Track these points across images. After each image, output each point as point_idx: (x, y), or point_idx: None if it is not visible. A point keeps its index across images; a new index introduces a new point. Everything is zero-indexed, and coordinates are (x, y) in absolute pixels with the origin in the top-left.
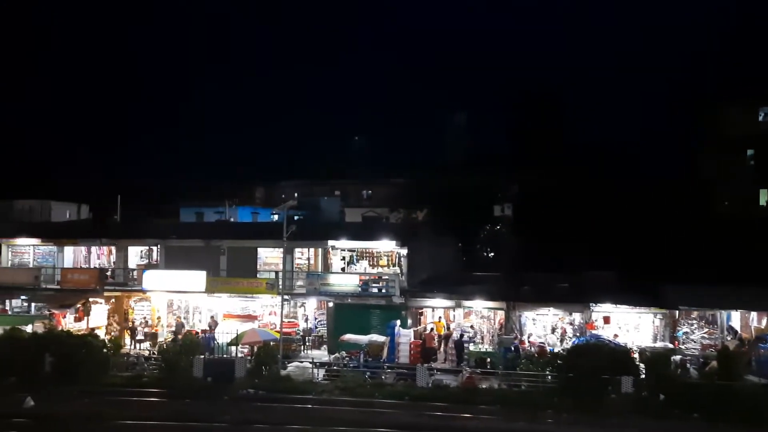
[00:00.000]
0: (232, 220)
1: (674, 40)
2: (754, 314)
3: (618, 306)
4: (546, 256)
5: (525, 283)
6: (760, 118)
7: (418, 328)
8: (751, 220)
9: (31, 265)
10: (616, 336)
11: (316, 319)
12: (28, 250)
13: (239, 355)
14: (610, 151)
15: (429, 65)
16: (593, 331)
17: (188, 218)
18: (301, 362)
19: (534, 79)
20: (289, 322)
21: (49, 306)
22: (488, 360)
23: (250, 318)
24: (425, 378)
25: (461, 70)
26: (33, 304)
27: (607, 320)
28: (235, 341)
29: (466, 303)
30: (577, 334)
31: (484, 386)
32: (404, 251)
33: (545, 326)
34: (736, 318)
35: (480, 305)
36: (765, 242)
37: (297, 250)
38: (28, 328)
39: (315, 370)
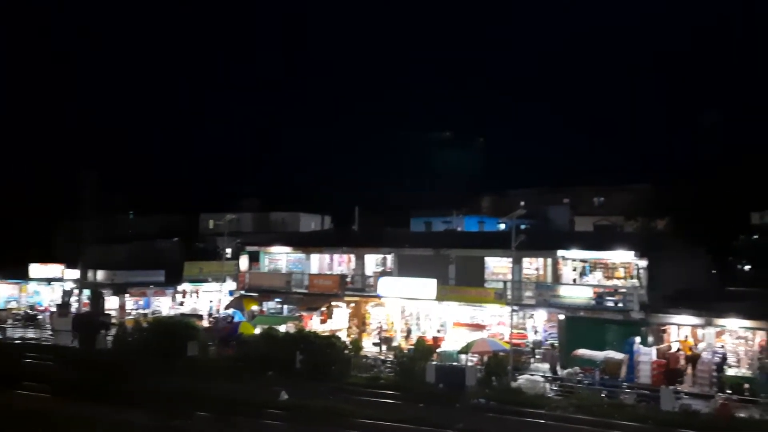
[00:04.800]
0: (459, 229)
1: None
2: None
3: None
4: None
5: None
6: None
7: (661, 346)
8: None
9: (283, 271)
10: None
11: (546, 331)
12: (281, 257)
13: (469, 363)
14: None
15: (670, 61)
16: None
17: (417, 228)
18: (532, 375)
19: None
20: (517, 333)
21: (299, 308)
22: (746, 386)
23: (479, 327)
24: (671, 402)
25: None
26: (285, 306)
27: None
28: (465, 349)
29: (719, 321)
30: None
31: (742, 416)
32: (643, 263)
33: None
34: None
35: (735, 324)
36: None
37: (525, 259)
38: (282, 328)
39: (546, 384)
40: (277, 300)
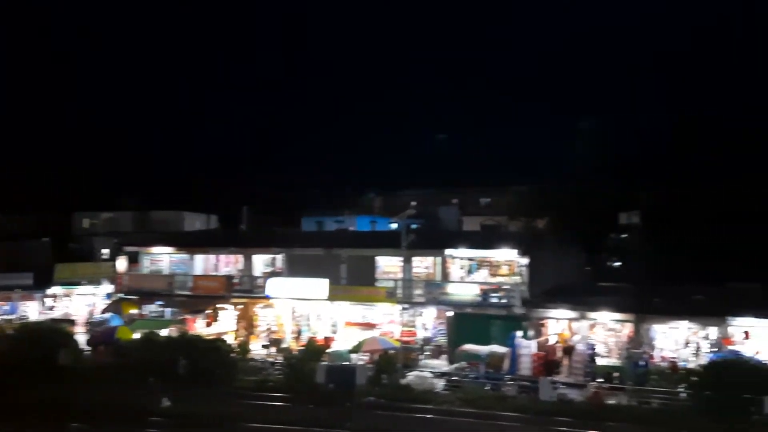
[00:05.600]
0: (351, 229)
1: None
2: None
3: (759, 320)
4: (683, 267)
5: (657, 294)
6: None
7: (540, 339)
8: None
9: (165, 272)
10: (758, 353)
11: (435, 328)
12: (163, 258)
13: (359, 362)
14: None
15: (550, 68)
16: (731, 347)
17: (309, 227)
18: (421, 371)
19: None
20: (407, 330)
21: (182, 311)
22: (616, 374)
23: (370, 326)
24: (549, 392)
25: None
26: (167, 309)
27: (747, 335)
28: (356, 348)
29: (591, 314)
30: (714, 350)
31: (611, 402)
32: (525, 260)
33: (677, 340)
34: None
35: (606, 317)
36: None
37: (415, 258)
38: (164, 332)
39: (435, 380)
40: (159, 303)
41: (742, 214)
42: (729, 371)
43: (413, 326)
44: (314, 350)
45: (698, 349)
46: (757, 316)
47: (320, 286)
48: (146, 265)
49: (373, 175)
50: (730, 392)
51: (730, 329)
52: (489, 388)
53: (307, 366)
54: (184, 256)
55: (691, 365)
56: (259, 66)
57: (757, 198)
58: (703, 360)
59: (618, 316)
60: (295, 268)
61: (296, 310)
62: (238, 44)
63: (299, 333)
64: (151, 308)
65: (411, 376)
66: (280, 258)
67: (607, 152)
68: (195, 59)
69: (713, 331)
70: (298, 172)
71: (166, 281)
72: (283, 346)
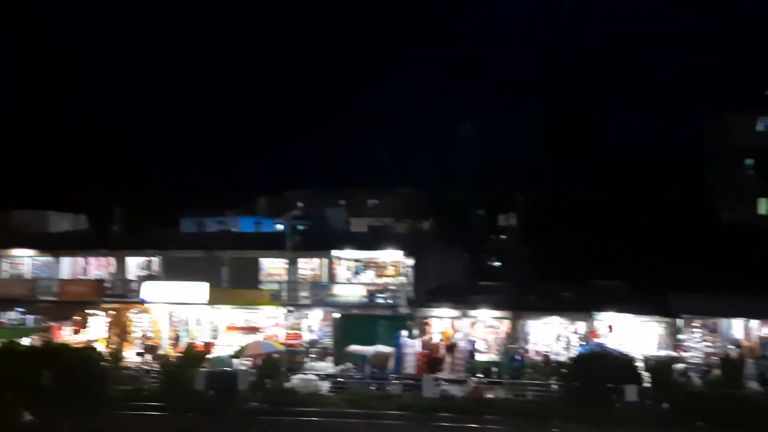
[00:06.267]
0: (233, 230)
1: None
2: (755, 323)
3: (621, 314)
4: (554, 266)
5: (531, 292)
6: (759, 129)
7: (425, 338)
8: (752, 229)
9: (27, 277)
10: (620, 344)
11: (321, 330)
12: (24, 261)
13: (242, 367)
14: (616, 160)
15: (431, 71)
16: (597, 340)
17: (189, 229)
18: (306, 374)
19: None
20: (293, 333)
21: (47, 318)
22: (494, 369)
23: (253, 330)
24: (432, 389)
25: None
26: (30, 317)
27: (610, 329)
28: (238, 353)
29: (472, 312)
30: (582, 343)
31: (490, 396)
32: (410, 261)
33: (549, 335)
34: (738, 326)
35: (486, 315)
36: (765, 251)
37: (301, 260)
38: (26, 341)
39: (320, 382)
40: (19, 310)
41: (605, 218)
42: (595, 363)
43: (299, 329)
44: (193, 356)
45: (568, 342)
46: (619, 311)
47: (200, 289)
48: (5, 269)
49: (258, 175)
50: (596, 382)
51: (596, 323)
52: (374, 387)
53: (186, 373)
54: (49, 258)
55: (562, 358)
56: (260, 66)
57: (619, 204)
58: (573, 353)
59: (497, 313)
60: (172, 271)
61: (174, 315)
62: (238, 44)
63: (177, 339)
64: (11, 316)
65: (295, 380)
66: (156, 261)
67: (488, 156)
68: (195, 59)
69: (581, 326)
70: (179, 171)
71: (28, 286)
72: (160, 353)
